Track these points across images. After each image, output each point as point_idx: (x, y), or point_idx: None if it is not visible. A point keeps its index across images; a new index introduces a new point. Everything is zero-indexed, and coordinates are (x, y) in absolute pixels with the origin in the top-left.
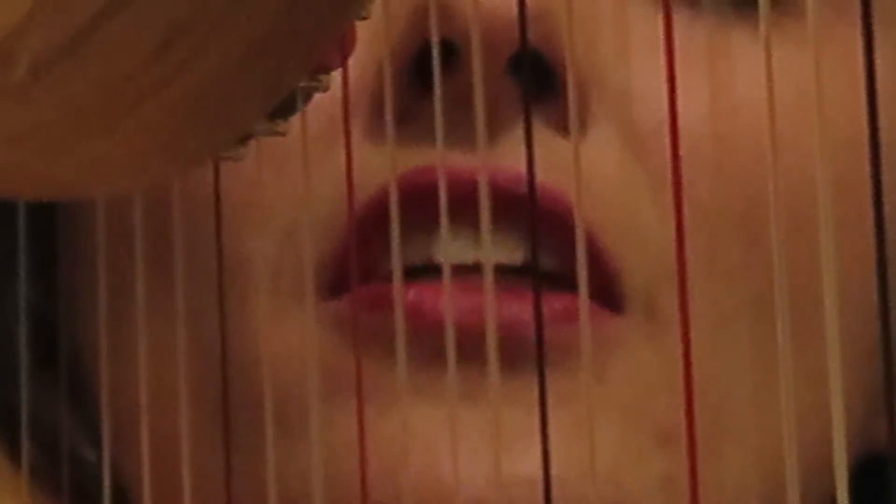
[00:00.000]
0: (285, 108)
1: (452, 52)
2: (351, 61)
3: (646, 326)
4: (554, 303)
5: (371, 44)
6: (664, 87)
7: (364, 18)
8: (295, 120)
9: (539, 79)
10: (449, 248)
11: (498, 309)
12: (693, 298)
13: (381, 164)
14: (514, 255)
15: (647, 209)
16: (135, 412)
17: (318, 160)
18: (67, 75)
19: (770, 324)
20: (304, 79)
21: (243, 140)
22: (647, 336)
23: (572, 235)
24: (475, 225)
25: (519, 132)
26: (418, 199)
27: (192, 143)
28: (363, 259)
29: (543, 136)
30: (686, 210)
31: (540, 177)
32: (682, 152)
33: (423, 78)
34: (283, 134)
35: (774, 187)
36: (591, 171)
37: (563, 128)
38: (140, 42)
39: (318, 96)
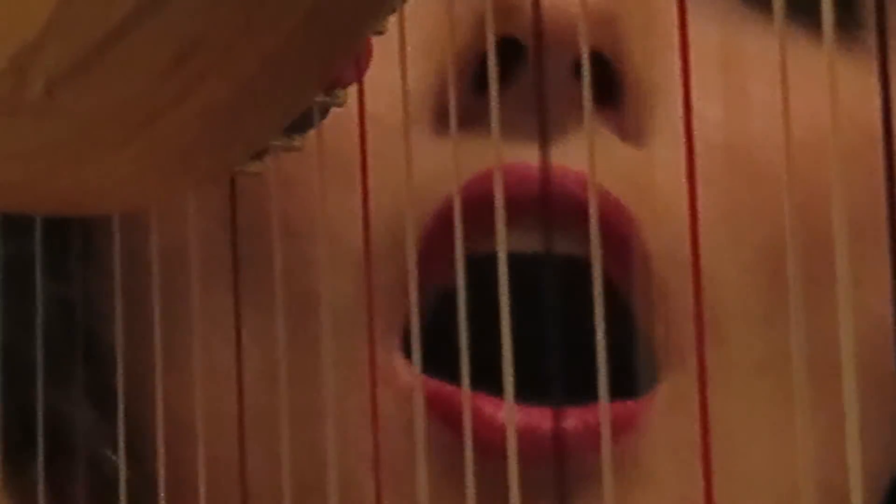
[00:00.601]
0: (302, 124)
1: (518, 51)
2: (413, 67)
3: (676, 390)
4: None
5: (436, 44)
6: (729, 101)
7: (380, 34)
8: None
9: (603, 83)
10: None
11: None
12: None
13: (448, 168)
14: (570, 250)
15: (708, 234)
16: (188, 441)
17: (384, 167)
18: (82, 92)
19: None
20: (321, 94)
21: (259, 155)
22: (677, 399)
23: (628, 244)
24: (540, 220)
25: (583, 135)
26: (484, 203)
27: (207, 158)
28: (432, 275)
29: (606, 141)
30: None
31: (600, 183)
32: (743, 179)
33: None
34: (299, 149)
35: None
36: (653, 183)
37: (626, 134)
38: (155, 58)
39: (383, 99)
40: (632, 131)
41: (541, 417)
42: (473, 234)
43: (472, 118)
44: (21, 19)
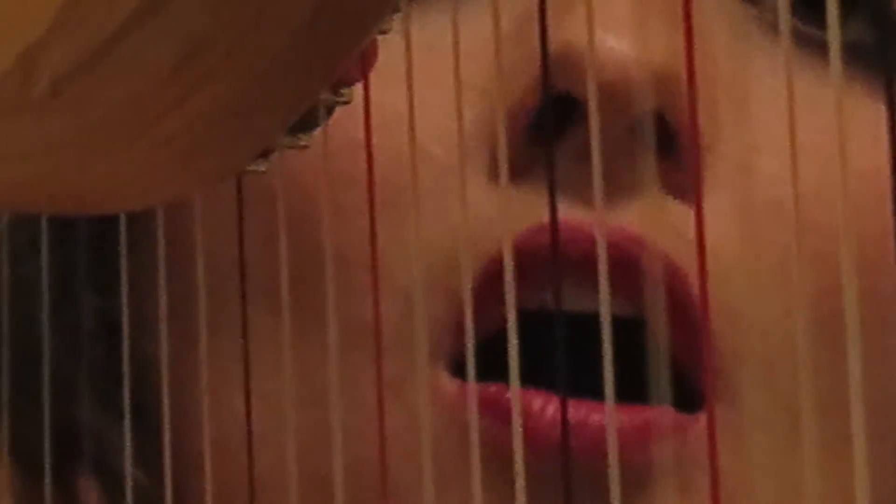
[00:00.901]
0: (307, 122)
1: (575, 107)
2: (471, 110)
3: (727, 421)
4: (633, 418)
5: (493, 94)
6: (786, 156)
7: (385, 33)
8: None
9: (660, 140)
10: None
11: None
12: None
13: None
14: (624, 311)
15: (762, 292)
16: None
17: (436, 210)
18: (87, 91)
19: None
20: (326, 92)
21: (265, 154)
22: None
23: (683, 304)
24: (592, 278)
25: (640, 195)
26: (534, 256)
27: (212, 158)
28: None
29: (660, 199)
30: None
31: (656, 243)
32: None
33: (557, 122)
34: (305, 147)
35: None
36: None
37: (680, 192)
38: (160, 58)
39: (441, 139)
40: (688, 188)
41: (590, 411)
42: (522, 288)
43: (528, 169)
44: (27, 18)
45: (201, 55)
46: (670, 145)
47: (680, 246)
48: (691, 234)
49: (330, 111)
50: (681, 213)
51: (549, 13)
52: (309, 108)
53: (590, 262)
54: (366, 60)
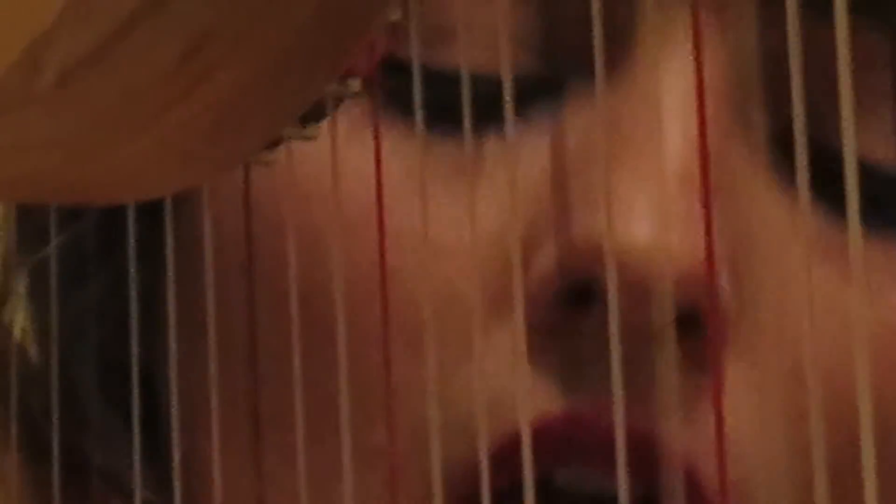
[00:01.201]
0: (315, 113)
1: (599, 293)
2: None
3: None
4: None
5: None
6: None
7: (392, 22)
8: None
9: (682, 325)
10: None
11: None
12: None
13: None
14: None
15: (782, 470)
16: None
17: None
18: (94, 83)
19: None
20: (334, 83)
21: (273, 145)
22: None
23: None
24: (603, 467)
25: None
26: (553, 444)
27: (220, 148)
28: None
29: (679, 380)
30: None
31: (666, 433)
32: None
33: (576, 307)
34: (313, 138)
35: None
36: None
37: (700, 370)
38: (167, 49)
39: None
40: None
41: None
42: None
43: (555, 342)
44: (34, 11)
45: (208, 47)
46: (694, 328)
47: (691, 441)
48: (711, 430)
49: (338, 102)
50: (701, 399)
51: (573, 201)
52: (317, 100)
53: (604, 450)
54: (373, 51)
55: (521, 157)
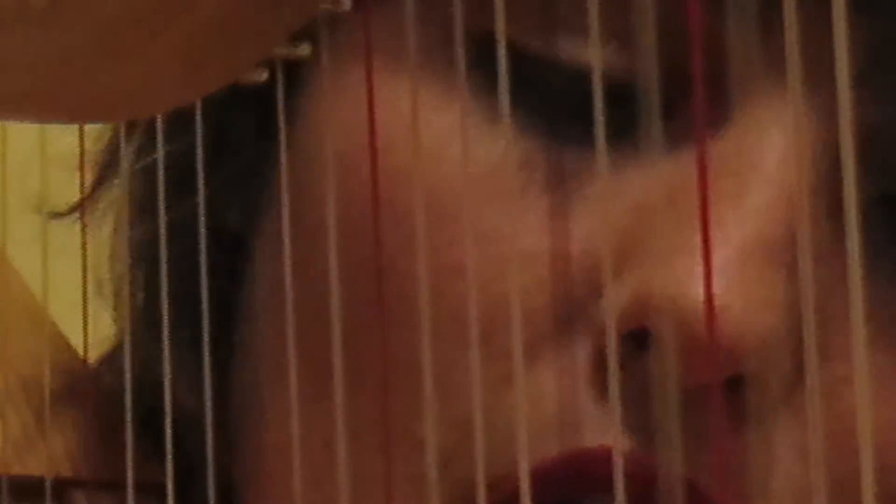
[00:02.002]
0: (306, 32)
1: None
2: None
3: None
4: None
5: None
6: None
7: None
8: None
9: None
10: None
11: None
12: None
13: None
14: None
15: None
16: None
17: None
18: (87, 2)
19: None
20: (326, 2)
21: (265, 64)
22: None
23: None
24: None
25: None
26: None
27: (213, 66)
28: None
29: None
30: None
31: (703, 478)
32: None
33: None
34: (305, 57)
35: None
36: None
37: (748, 427)
38: None
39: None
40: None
41: None
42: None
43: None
44: None
45: None
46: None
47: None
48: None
49: (330, 22)
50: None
51: (650, 244)
52: (309, 19)
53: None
54: None
55: (616, 186)
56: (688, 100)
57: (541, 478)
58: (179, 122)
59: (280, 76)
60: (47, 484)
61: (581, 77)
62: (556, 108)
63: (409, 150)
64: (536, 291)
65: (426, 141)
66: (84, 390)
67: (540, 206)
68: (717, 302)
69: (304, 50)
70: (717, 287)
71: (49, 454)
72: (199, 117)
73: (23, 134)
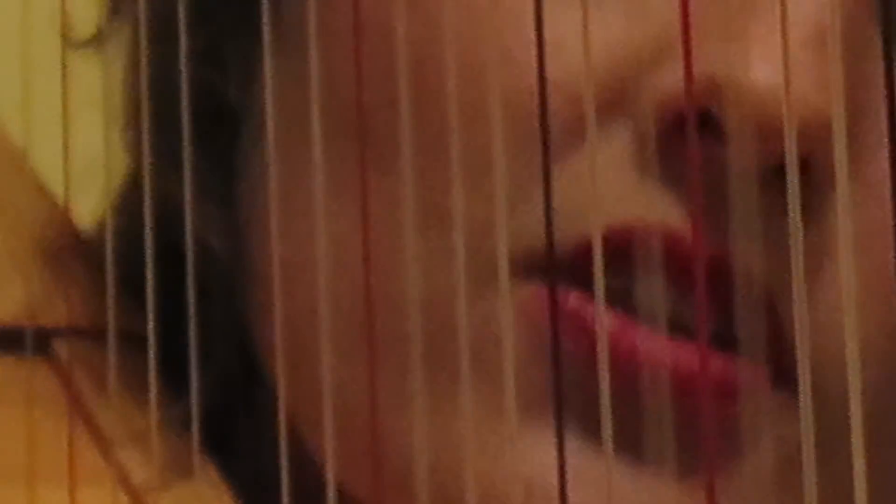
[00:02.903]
0: None
1: (714, 124)
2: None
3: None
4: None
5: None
6: None
7: None
8: None
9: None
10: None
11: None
12: None
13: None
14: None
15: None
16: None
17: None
18: None
19: None
20: None
21: None
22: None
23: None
24: (679, 287)
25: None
26: (624, 253)
27: None
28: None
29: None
30: None
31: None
32: None
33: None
34: None
35: None
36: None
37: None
38: None
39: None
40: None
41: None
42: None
43: (664, 159)
44: None
45: None
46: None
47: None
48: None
49: None
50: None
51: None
52: None
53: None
54: None
55: None
56: None
57: (582, 254)
58: None
59: None
60: (27, 332)
61: None
62: None
63: None
64: (578, 75)
65: None
66: (67, 239)
67: None
68: (773, 85)
69: None
70: (773, 72)
71: (29, 302)
72: None
73: None
